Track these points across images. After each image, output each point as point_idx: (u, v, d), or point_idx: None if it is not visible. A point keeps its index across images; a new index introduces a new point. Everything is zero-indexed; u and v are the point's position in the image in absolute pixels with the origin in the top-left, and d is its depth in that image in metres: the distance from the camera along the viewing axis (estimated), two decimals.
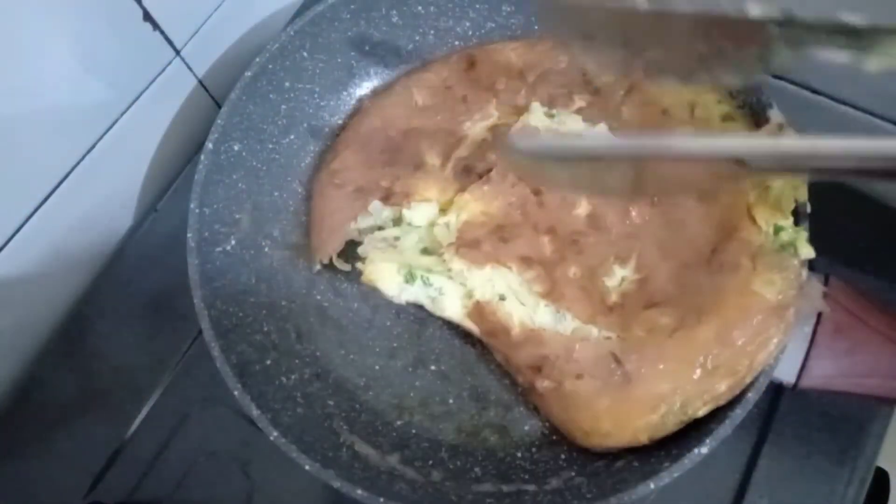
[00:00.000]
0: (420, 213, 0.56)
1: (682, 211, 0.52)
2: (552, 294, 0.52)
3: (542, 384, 0.50)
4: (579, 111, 0.58)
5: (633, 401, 0.48)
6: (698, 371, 0.47)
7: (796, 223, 0.48)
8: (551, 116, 0.58)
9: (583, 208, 0.54)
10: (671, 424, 0.47)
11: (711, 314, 0.48)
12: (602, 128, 0.56)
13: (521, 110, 0.59)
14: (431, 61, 0.64)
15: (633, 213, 0.53)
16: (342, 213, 0.58)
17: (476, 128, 0.59)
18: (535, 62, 0.61)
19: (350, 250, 0.58)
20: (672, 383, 0.47)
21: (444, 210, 0.57)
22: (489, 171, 0.56)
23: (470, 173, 0.57)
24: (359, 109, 0.63)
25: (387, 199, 0.57)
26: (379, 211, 0.57)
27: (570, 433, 0.50)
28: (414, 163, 0.58)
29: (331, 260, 0.58)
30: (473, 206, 0.55)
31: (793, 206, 0.48)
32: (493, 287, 0.53)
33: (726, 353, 0.47)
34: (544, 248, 0.53)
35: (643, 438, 0.47)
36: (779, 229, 0.48)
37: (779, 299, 0.46)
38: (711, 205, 0.51)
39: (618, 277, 0.52)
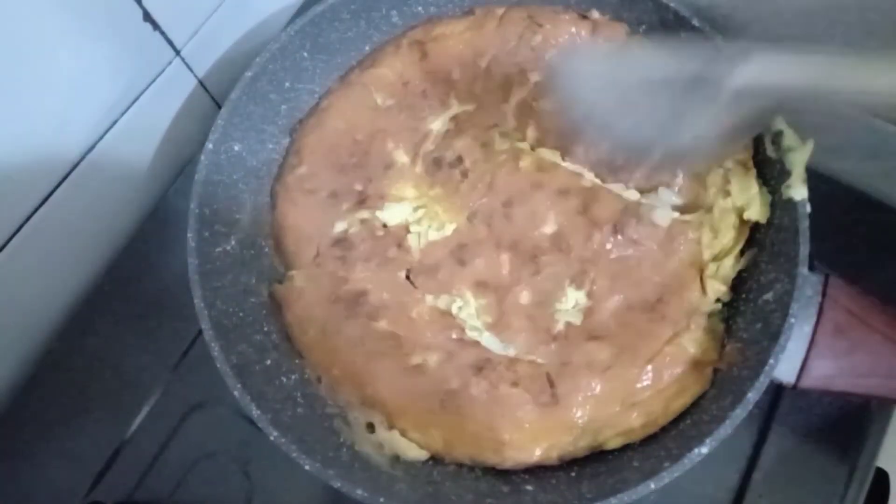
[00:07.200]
0: (393, 213, 0.57)
1: (640, 251, 0.53)
2: (499, 325, 0.53)
3: (479, 386, 0.51)
4: (537, 85, 0.59)
5: (555, 420, 0.50)
6: (618, 407, 0.49)
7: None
8: None
9: (549, 226, 0.55)
10: (582, 449, 0.49)
11: (643, 358, 0.50)
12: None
13: (479, 97, 0.59)
14: (380, 53, 0.63)
15: (597, 238, 0.54)
16: (317, 220, 0.58)
17: (438, 121, 0.60)
18: (484, 48, 0.61)
19: None
20: (593, 413, 0.49)
21: (418, 208, 0.57)
22: (459, 158, 0.57)
23: (440, 165, 0.58)
24: (316, 108, 0.62)
25: (362, 202, 0.57)
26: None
27: (481, 445, 0.50)
28: (384, 163, 0.59)
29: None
30: (443, 214, 0.56)
31: (732, 278, 0.52)
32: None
33: (646, 395, 0.49)
34: (501, 269, 0.54)
35: (554, 456, 0.49)
36: (719, 300, 0.52)
37: (702, 358, 0.50)
38: (669, 256, 0.53)
39: (571, 300, 0.53)
